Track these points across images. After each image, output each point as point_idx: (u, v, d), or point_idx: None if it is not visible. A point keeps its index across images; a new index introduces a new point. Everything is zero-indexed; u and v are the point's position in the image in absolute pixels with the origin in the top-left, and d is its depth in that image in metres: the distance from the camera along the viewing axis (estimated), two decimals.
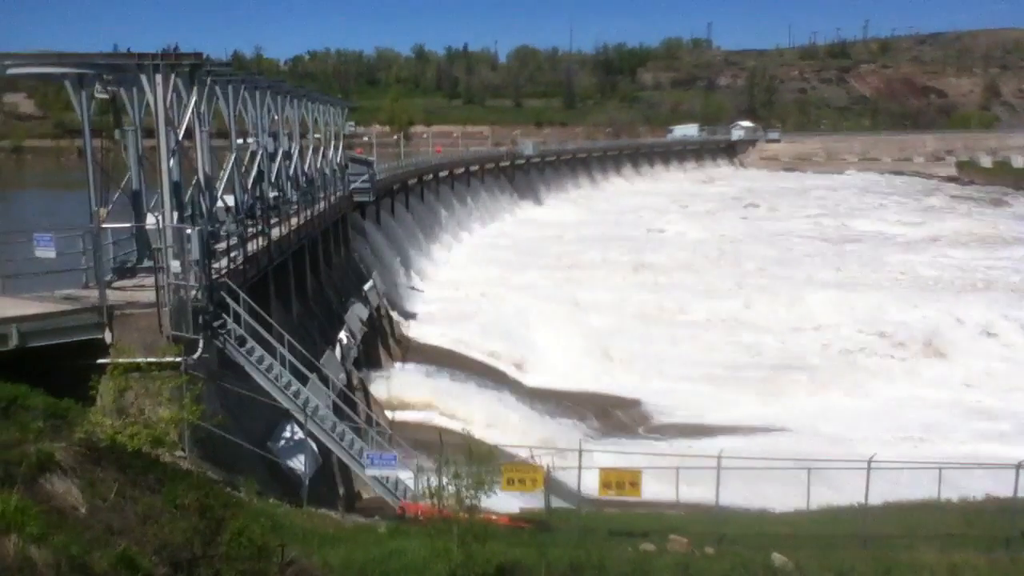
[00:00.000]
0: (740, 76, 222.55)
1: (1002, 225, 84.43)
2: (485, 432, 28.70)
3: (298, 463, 19.66)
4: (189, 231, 17.69)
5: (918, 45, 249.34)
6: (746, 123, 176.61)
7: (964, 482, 20.33)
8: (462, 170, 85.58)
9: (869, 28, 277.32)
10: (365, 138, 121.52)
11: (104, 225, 18.71)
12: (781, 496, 20.75)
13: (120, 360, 15.10)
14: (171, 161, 18.17)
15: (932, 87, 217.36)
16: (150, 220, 19.99)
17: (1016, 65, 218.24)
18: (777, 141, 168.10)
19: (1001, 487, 18.83)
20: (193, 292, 17.53)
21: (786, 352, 42.64)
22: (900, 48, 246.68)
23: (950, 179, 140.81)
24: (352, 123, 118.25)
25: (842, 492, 19.30)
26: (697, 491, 19.90)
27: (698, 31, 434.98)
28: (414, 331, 43.67)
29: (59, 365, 15.88)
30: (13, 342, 15.87)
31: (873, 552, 16.05)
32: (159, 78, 17.46)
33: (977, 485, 20.24)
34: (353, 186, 46.13)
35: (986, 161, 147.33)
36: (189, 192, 20.30)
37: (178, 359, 16.54)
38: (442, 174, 78.42)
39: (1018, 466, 17.67)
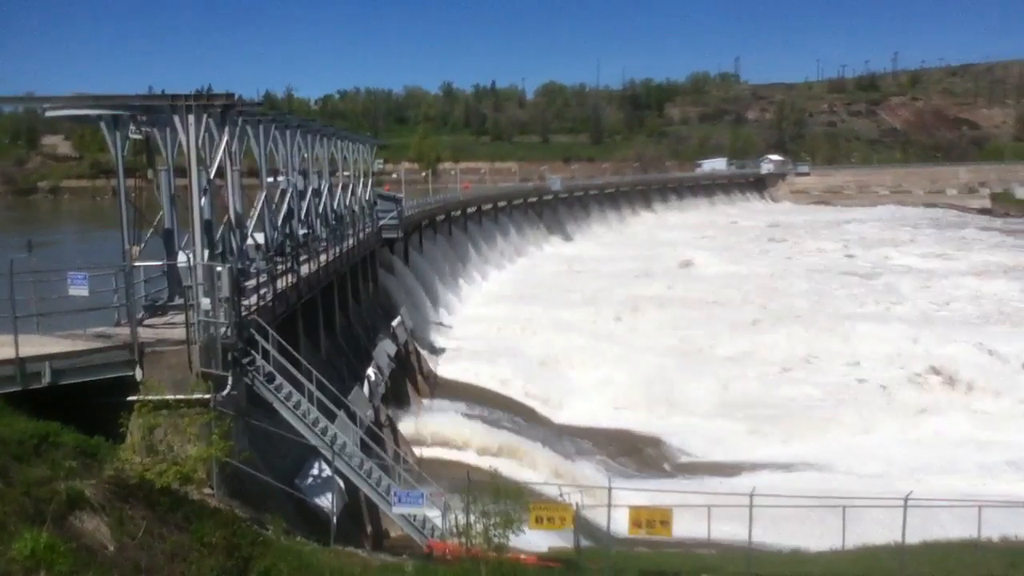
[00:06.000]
0: (768, 110, 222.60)
1: None
2: (513, 470, 28.50)
3: (325, 501, 19.57)
4: (219, 268, 17.85)
5: (949, 77, 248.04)
6: (775, 156, 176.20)
7: (1006, 522, 19.73)
8: (490, 206, 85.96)
9: (898, 60, 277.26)
10: (394, 175, 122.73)
11: (136, 263, 18.97)
12: (814, 535, 20.34)
13: (149, 397, 15.21)
14: (202, 200, 18.44)
15: (964, 119, 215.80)
16: (181, 258, 20.24)
17: None
18: (807, 174, 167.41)
19: None
20: (223, 329, 17.64)
21: (818, 387, 41.96)
22: (930, 80, 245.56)
23: (984, 211, 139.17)
24: (381, 160, 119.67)
25: (878, 531, 18.84)
26: (728, 529, 19.52)
27: (725, 65, 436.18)
28: (442, 367, 43.63)
29: (90, 402, 16.00)
30: (46, 379, 16.03)
31: None
32: (191, 118, 17.77)
33: (1020, 525, 19.65)
34: (382, 223, 46.50)
35: (1020, 193, 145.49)
36: (220, 230, 20.53)
37: (207, 396, 16.60)
38: (470, 210, 78.82)
39: None
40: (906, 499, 16.55)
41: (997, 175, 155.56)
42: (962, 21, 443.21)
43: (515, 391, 40.50)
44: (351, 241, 37.37)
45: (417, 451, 31.36)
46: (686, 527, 18.34)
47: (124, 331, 17.87)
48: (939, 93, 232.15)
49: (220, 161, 19.53)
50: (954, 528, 19.49)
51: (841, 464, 32.84)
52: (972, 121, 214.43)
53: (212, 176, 19.12)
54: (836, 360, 45.49)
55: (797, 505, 19.02)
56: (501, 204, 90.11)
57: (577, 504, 17.84)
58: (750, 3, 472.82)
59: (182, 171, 19.02)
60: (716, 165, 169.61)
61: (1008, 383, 41.39)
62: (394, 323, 39.84)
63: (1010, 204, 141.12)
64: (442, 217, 68.97)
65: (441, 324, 52.49)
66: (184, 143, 18.06)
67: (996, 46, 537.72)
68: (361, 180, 44.18)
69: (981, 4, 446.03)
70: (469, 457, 31.21)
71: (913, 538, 17.89)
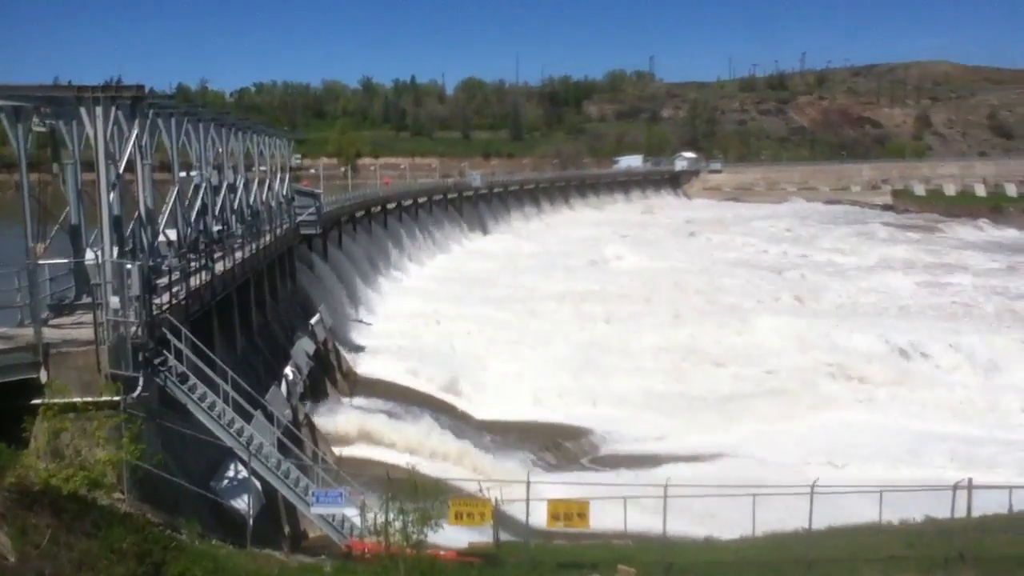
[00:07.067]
0: (682, 108, 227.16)
1: (937, 251, 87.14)
2: (433, 466, 28.55)
3: (242, 503, 19.26)
4: (129, 266, 17.39)
5: (853, 77, 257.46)
6: (689, 154, 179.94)
7: (906, 505, 20.73)
8: (410, 202, 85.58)
9: (806, 60, 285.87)
10: (312, 170, 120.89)
11: (41, 261, 18.31)
12: (728, 523, 20.96)
13: (55, 400, 14.72)
14: (111, 195, 17.89)
15: (867, 118, 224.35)
16: (89, 255, 19.62)
17: (946, 96, 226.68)
18: (719, 171, 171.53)
19: (940, 509, 19.32)
20: (133, 329, 17.19)
21: (732, 379, 43.16)
22: (836, 80, 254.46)
23: (886, 207, 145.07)
24: (299, 155, 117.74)
25: (787, 518, 19.57)
26: (646, 520, 20.03)
27: (641, 64, 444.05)
28: (362, 365, 43.28)
29: None
30: None
31: None
32: (99, 111, 17.24)
33: (917, 507, 20.69)
34: (300, 219, 45.82)
35: (920, 189, 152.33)
36: (130, 226, 19.96)
37: (116, 398, 16.16)
38: (390, 206, 78.28)
39: (955, 488, 18.14)
40: (812, 486, 17.24)
41: (898, 172, 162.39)
42: (866, 24, 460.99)
43: (435, 387, 40.48)
44: (268, 237, 36.74)
45: (337, 450, 31.09)
46: (604, 519, 18.74)
47: (28, 332, 17.25)
48: (844, 93, 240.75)
49: (130, 155, 18.98)
50: (858, 512, 20.38)
51: (753, 453, 33.88)
52: (875, 120, 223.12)
53: (121, 171, 18.57)
54: (749, 352, 46.79)
55: (709, 495, 19.60)
56: (422, 200, 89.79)
57: (496, 499, 18.01)
58: (664, 2, 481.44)
59: (90, 165, 18.44)
60: (632, 162, 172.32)
61: (908, 374, 43.40)
62: (313, 321, 39.33)
63: (910, 200, 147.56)
64: (362, 213, 68.34)
65: (361, 321, 52.03)
66: (91, 136, 17.51)
67: (897, 48, 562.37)
68: (278, 175, 43.43)
69: (884, 8, 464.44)
70: (389, 455, 31.10)
71: (820, 523, 18.67)
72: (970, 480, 18.45)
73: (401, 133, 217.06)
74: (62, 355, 16.91)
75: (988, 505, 19.58)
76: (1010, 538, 18.59)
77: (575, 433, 36.61)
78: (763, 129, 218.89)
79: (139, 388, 17.00)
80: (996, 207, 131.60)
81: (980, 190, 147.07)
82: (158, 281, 21.01)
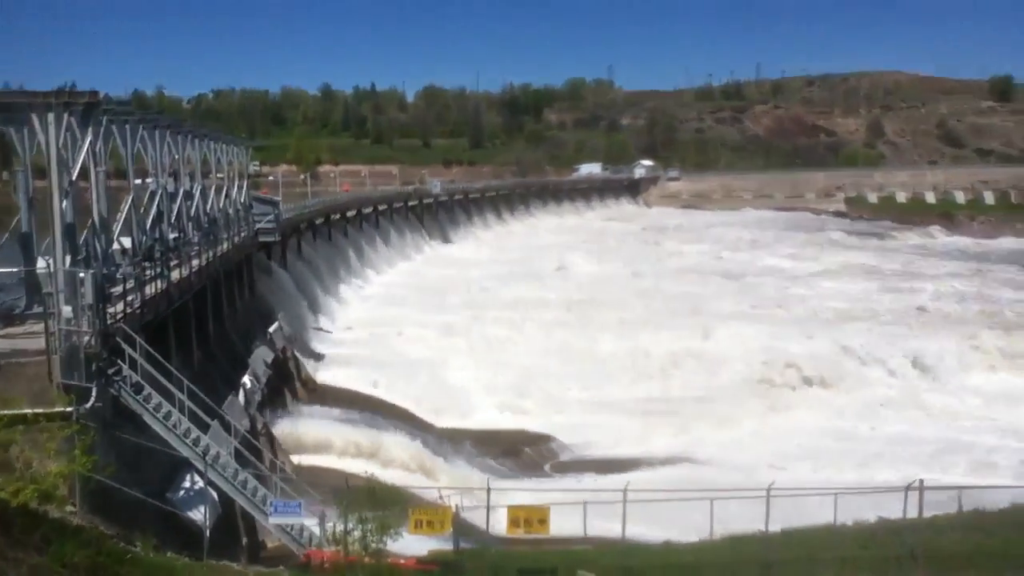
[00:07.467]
0: (641, 116, 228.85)
1: (890, 257, 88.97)
2: (394, 475, 28.39)
3: (198, 514, 19.01)
4: (82, 274, 17.13)
5: (807, 86, 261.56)
6: (648, 162, 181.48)
7: (860, 506, 21.13)
8: (370, 209, 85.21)
9: (761, 70, 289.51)
10: (271, 177, 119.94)
11: None
12: (687, 526, 21.17)
13: (5, 412, 14.44)
14: (64, 203, 17.61)
15: (821, 126, 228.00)
16: (40, 264, 19.29)
17: (897, 105, 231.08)
18: (677, 179, 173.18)
19: (893, 509, 19.75)
20: (86, 338, 16.92)
21: (690, 385, 43.65)
22: (791, 89, 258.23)
23: (840, 214, 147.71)
24: (257, 163, 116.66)
25: (745, 520, 19.83)
26: (606, 525, 20.15)
27: (600, 72, 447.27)
28: (321, 373, 42.93)
29: None
30: None
31: None
32: (51, 117, 16.97)
33: (871, 508, 21.10)
34: (258, 226, 45.41)
35: (872, 197, 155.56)
36: (83, 234, 19.67)
37: (69, 409, 15.88)
38: (350, 213, 77.91)
39: (907, 489, 18.57)
40: (768, 489, 17.53)
41: (851, 180, 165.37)
42: (819, 34, 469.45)
43: (395, 395, 40.27)
44: (225, 245, 36.35)
45: (295, 459, 30.80)
46: (564, 524, 18.84)
47: None
48: (798, 102, 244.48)
49: (84, 162, 18.72)
50: (813, 514, 20.72)
51: (711, 457, 34.26)
52: (828, 129, 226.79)
53: (74, 178, 18.28)
54: (706, 357, 47.28)
55: (667, 499, 19.81)
56: (382, 207, 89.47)
57: (457, 506, 18.02)
58: (623, 11, 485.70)
59: (42, 172, 18.14)
60: (592, 170, 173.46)
61: (861, 377, 44.25)
62: (271, 329, 38.97)
63: (863, 207, 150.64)
64: (321, 220, 67.91)
65: (321, 329, 51.65)
66: (43, 144, 17.22)
67: (850, 58, 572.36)
68: (236, 182, 43.02)
69: (837, 19, 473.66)
70: (348, 464, 30.83)
71: (777, 525, 18.98)
72: (921, 481, 18.92)
73: (361, 140, 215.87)
74: (12, 365, 16.60)
75: (939, 505, 20.08)
76: (960, 537, 19.03)
77: (535, 440, 36.71)
78: (720, 137, 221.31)
79: (92, 399, 16.73)
80: (946, 214, 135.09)
81: (931, 197, 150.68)
82: (112, 290, 20.69)
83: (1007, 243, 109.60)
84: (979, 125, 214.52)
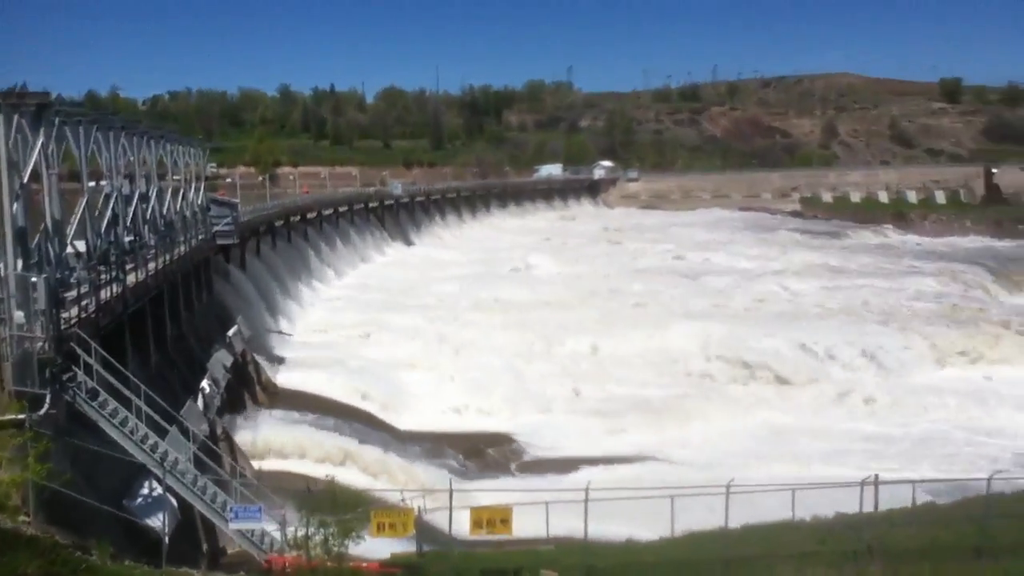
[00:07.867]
0: (600, 118, 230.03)
1: (844, 256, 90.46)
2: (356, 478, 28.30)
3: (157, 520, 18.75)
4: (35, 279, 16.82)
5: (763, 88, 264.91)
6: (607, 163, 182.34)
7: (818, 502, 21.46)
8: (330, 211, 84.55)
9: (718, 72, 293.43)
10: (229, 179, 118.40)
11: None
12: (648, 524, 21.36)
13: None
14: (15, 206, 17.27)
15: (776, 127, 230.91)
16: None
17: (851, 107, 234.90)
18: (636, 180, 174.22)
19: (850, 504, 20.10)
20: (39, 344, 16.62)
21: (650, 383, 44.01)
22: (747, 90, 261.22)
23: (795, 214, 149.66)
24: (214, 164, 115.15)
25: (705, 517, 20.05)
26: (568, 524, 20.23)
27: (560, 74, 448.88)
28: (282, 377, 42.53)
29: None
30: None
31: (734, 573, 16.75)
32: (0, 118, 16.65)
33: (828, 504, 21.45)
34: (216, 229, 44.85)
35: (827, 197, 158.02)
36: (36, 238, 19.29)
37: (21, 416, 15.59)
38: (310, 215, 77.22)
39: (862, 484, 18.92)
40: (728, 486, 17.74)
41: (806, 180, 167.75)
42: (774, 36, 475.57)
43: (357, 398, 40.07)
44: (182, 248, 35.87)
45: (256, 464, 30.50)
46: (526, 524, 18.89)
47: None
48: (754, 103, 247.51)
49: (35, 164, 18.36)
50: (772, 511, 21.02)
51: (672, 455, 34.62)
52: (784, 130, 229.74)
53: (26, 180, 17.94)
54: (665, 356, 47.72)
55: (629, 497, 19.93)
56: (342, 209, 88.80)
57: (419, 508, 17.99)
58: (582, 13, 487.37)
59: None
60: (552, 171, 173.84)
61: (818, 374, 45.02)
62: (230, 333, 38.52)
63: (818, 207, 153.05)
64: (281, 223, 67.19)
65: (281, 332, 51.17)
66: None
67: (804, 60, 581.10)
68: (193, 184, 42.46)
69: (791, 21, 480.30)
70: (310, 467, 30.66)
71: (736, 522, 19.21)
72: (876, 476, 19.29)
73: (320, 142, 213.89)
74: None
75: (894, 499, 20.49)
76: (914, 530, 19.44)
77: (498, 440, 36.78)
78: (677, 138, 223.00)
79: (46, 405, 16.46)
80: (899, 213, 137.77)
81: (884, 197, 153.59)
82: (66, 294, 20.33)
83: (963, 241, 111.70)
84: (930, 126, 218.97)
